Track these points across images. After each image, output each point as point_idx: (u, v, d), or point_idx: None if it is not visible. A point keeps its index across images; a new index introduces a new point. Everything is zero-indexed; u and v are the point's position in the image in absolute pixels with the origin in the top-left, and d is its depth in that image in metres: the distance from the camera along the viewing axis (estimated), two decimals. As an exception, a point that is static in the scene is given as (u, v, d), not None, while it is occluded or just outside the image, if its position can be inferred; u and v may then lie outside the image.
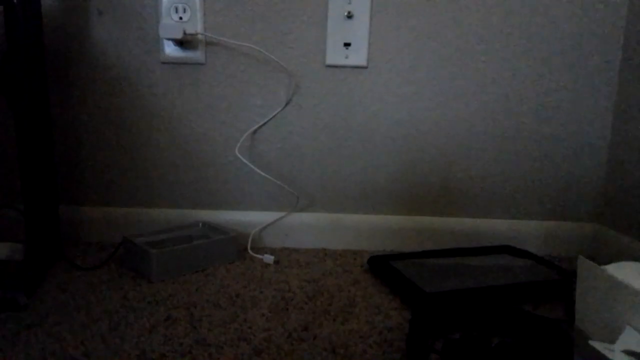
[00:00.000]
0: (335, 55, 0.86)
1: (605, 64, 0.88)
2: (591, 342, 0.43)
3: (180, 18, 0.84)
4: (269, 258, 0.84)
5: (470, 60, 0.87)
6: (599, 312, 0.40)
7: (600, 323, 0.40)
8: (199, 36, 0.85)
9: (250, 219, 0.92)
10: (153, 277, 0.74)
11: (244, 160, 0.89)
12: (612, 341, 0.41)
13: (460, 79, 0.88)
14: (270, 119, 0.89)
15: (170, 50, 0.86)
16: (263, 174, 0.89)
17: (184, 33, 0.81)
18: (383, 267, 0.78)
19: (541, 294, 0.73)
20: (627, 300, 0.38)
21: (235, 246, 0.84)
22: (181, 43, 0.85)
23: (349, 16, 0.84)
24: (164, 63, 0.87)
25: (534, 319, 0.60)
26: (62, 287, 0.71)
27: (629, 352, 0.40)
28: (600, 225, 0.93)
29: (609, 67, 0.88)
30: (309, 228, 0.92)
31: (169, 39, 0.84)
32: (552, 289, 0.73)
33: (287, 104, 0.89)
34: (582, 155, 0.92)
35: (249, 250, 0.88)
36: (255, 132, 0.90)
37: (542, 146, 0.91)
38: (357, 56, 0.86)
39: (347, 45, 0.86)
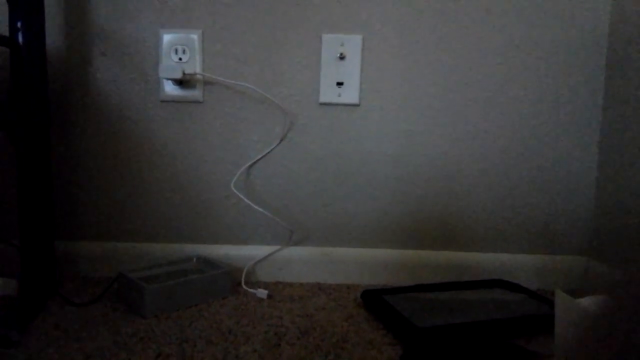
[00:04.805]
0: (328, 94, 0.90)
1: (588, 101, 0.91)
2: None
3: (180, 59, 0.88)
4: (262, 293, 0.84)
5: (459, 99, 0.91)
6: (576, 346, 0.41)
7: (579, 358, 0.41)
8: (198, 76, 0.88)
9: (244, 253, 0.93)
10: (146, 312, 0.74)
11: (240, 195, 0.91)
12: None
13: (450, 117, 0.91)
14: (266, 154, 0.91)
15: (170, 89, 0.89)
16: (258, 208, 0.91)
17: (183, 73, 0.85)
18: (376, 302, 0.78)
19: (534, 328, 0.73)
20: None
21: (229, 281, 0.84)
22: (180, 82, 0.88)
23: (341, 57, 0.88)
24: (163, 101, 0.90)
25: (527, 354, 0.60)
26: (55, 323, 0.71)
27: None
28: (590, 258, 0.94)
29: (592, 104, 0.91)
30: (303, 262, 0.93)
31: (168, 79, 0.87)
32: (545, 323, 0.73)
33: (281, 140, 0.91)
34: (570, 189, 0.94)
35: (243, 285, 0.88)
36: (250, 167, 0.92)
37: (531, 182, 0.93)
38: (350, 95, 0.90)
39: (339, 84, 0.89)
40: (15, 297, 0.76)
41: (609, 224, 0.89)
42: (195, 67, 0.88)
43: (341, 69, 0.89)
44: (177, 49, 0.88)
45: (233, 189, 0.91)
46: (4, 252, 0.88)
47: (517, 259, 0.95)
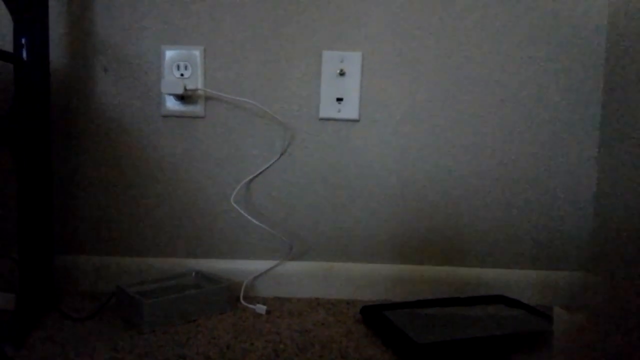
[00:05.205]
0: (328, 109, 0.91)
1: (585, 116, 0.92)
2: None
3: (182, 74, 0.89)
4: (261, 308, 0.83)
5: (458, 114, 0.92)
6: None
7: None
8: (199, 91, 0.89)
9: (244, 267, 0.92)
10: (144, 327, 0.73)
11: (239, 210, 0.91)
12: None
13: (448, 131, 0.92)
14: (266, 169, 0.92)
15: (171, 104, 0.90)
16: (257, 222, 0.91)
17: (185, 89, 0.86)
18: (375, 317, 0.78)
19: (533, 344, 0.72)
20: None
21: (228, 296, 0.84)
22: (182, 98, 0.89)
23: (341, 74, 0.89)
24: (164, 116, 0.90)
25: (526, 372, 0.60)
26: (52, 337, 0.70)
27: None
28: (590, 274, 0.93)
29: (590, 122, 0.92)
30: (302, 277, 0.93)
31: (170, 94, 0.88)
32: (544, 339, 0.73)
33: (281, 154, 0.92)
34: (569, 204, 0.94)
35: (242, 300, 0.87)
36: (250, 181, 0.92)
37: (530, 196, 0.93)
38: (349, 110, 0.91)
39: (339, 100, 0.90)
40: (13, 311, 0.76)
41: (608, 239, 0.89)
42: (196, 82, 0.89)
43: (341, 85, 0.90)
44: (179, 65, 0.89)
45: (233, 203, 0.91)
46: (2, 266, 0.88)
47: (516, 274, 0.94)
